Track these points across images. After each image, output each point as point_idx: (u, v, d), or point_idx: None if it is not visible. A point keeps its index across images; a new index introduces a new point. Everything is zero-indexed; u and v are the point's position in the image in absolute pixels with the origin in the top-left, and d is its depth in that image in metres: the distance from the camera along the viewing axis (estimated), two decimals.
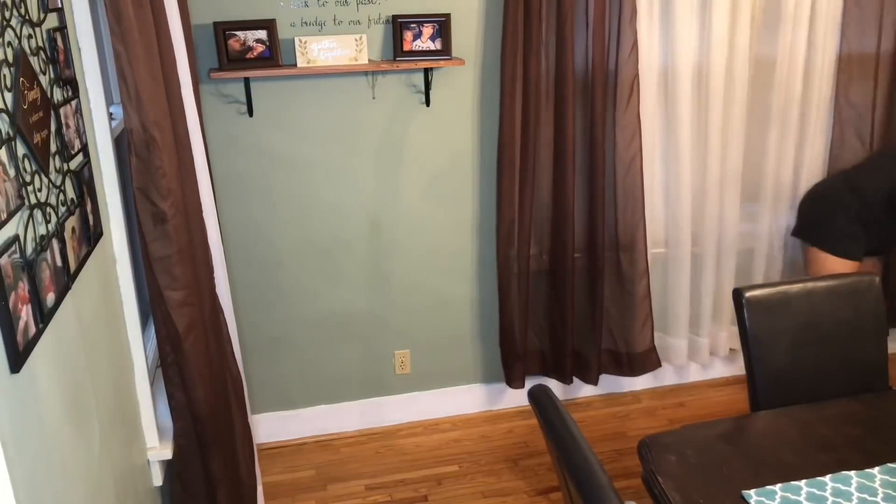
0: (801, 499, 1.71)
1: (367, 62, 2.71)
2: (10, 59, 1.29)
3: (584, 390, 3.41)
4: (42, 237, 1.37)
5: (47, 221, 1.40)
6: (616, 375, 3.35)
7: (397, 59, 2.75)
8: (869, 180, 3.07)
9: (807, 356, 2.24)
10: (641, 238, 3.11)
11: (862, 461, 1.83)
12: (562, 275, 3.08)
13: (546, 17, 2.77)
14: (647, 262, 3.17)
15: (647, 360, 3.31)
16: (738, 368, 3.55)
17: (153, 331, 2.14)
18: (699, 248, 3.28)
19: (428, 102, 2.90)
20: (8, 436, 1.16)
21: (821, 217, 3.15)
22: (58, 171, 1.50)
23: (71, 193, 1.57)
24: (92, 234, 1.71)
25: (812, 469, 1.81)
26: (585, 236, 3.09)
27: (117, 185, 1.89)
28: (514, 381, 3.22)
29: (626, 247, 3.12)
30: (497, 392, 3.37)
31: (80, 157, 1.66)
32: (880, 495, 1.71)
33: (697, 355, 3.43)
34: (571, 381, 3.27)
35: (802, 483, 1.76)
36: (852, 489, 1.74)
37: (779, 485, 1.75)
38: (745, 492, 1.73)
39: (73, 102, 1.65)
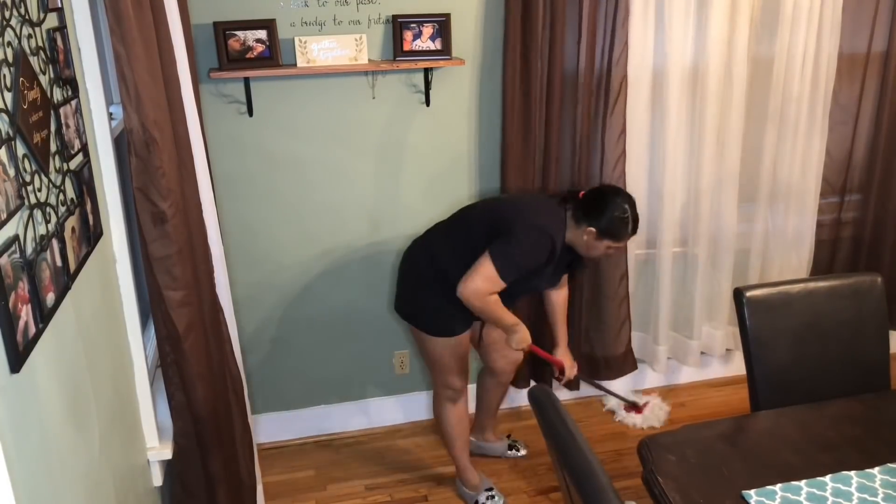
0: (802, 499, 1.71)
1: (367, 62, 2.71)
2: (10, 59, 1.29)
3: (586, 390, 3.41)
4: (42, 237, 1.37)
5: (47, 221, 1.40)
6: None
7: (397, 58, 2.75)
8: (441, 246, 2.53)
9: (807, 356, 2.24)
10: None
11: (862, 461, 1.83)
12: None
13: (544, 17, 2.77)
14: (627, 264, 3.17)
15: (623, 363, 3.31)
16: (737, 368, 3.55)
17: (153, 331, 2.14)
18: (696, 248, 3.28)
19: (428, 102, 2.90)
20: (8, 436, 1.16)
21: (406, 294, 2.63)
22: (58, 171, 1.49)
23: (71, 193, 1.57)
24: (92, 234, 1.71)
25: (812, 469, 1.81)
26: None
27: (117, 185, 1.89)
28: (517, 381, 3.22)
29: None
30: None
31: (79, 157, 1.66)
32: (880, 495, 1.71)
33: (692, 356, 3.42)
34: (551, 386, 3.27)
35: (802, 483, 1.76)
36: (852, 489, 1.74)
37: (779, 485, 1.75)
38: (745, 492, 1.73)
39: (73, 102, 1.65)
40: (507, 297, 2.45)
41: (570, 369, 2.77)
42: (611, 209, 2.34)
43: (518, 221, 2.39)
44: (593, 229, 2.35)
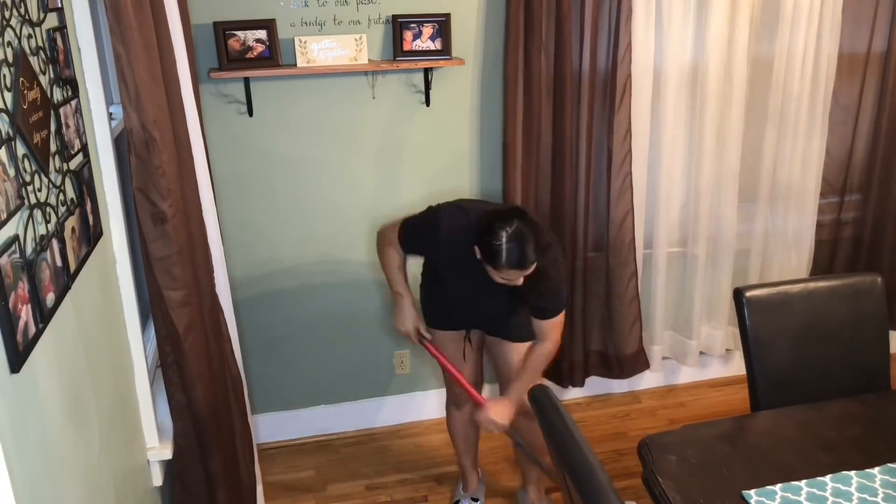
0: (802, 499, 1.71)
1: (367, 62, 2.71)
2: (10, 59, 1.29)
3: (585, 390, 3.41)
4: (42, 237, 1.37)
5: (47, 221, 1.40)
6: (605, 378, 3.35)
7: (397, 58, 2.75)
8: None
9: (807, 356, 2.24)
10: (631, 239, 3.11)
11: (862, 461, 1.83)
12: None
13: (546, 17, 2.77)
14: (637, 263, 3.17)
15: (635, 362, 3.31)
16: (737, 368, 3.55)
17: (153, 331, 2.14)
18: (696, 248, 3.28)
19: (428, 102, 2.90)
20: (8, 436, 1.16)
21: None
22: (58, 171, 1.49)
23: (71, 193, 1.57)
24: (92, 234, 1.71)
25: (812, 469, 1.81)
26: (578, 237, 3.08)
27: (117, 185, 1.89)
28: None
29: (616, 248, 3.13)
30: (497, 392, 3.36)
31: (79, 157, 1.66)
32: (880, 495, 1.71)
33: (691, 356, 3.42)
34: (567, 386, 3.28)
35: (802, 483, 1.76)
36: (852, 489, 1.74)
37: (779, 485, 1.75)
38: (745, 492, 1.73)
39: (73, 102, 1.65)
40: (442, 292, 2.43)
41: (491, 416, 2.34)
42: (489, 232, 2.04)
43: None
44: (478, 248, 2.12)
